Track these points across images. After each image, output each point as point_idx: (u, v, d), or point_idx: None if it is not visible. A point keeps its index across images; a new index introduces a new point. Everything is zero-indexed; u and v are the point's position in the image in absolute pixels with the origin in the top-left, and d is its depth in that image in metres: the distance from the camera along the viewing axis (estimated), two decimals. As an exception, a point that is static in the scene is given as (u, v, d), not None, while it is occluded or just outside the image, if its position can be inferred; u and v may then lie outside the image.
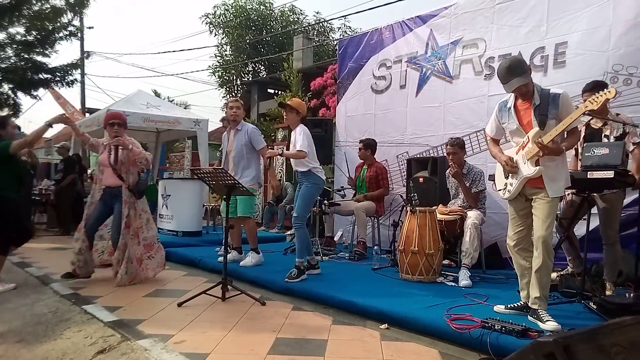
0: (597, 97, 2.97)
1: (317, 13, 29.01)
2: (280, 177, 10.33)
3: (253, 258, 5.21)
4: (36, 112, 76.28)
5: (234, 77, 22.86)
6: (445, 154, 5.80)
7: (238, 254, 5.42)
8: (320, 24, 22.96)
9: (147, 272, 4.74)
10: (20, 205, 4.64)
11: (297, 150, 4.55)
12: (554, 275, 4.00)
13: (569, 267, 4.23)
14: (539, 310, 3.14)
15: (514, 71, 3.16)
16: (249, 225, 5.33)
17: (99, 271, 4.97)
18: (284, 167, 10.56)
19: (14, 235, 4.53)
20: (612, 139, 3.83)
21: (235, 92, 22.73)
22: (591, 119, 3.98)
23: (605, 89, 3.03)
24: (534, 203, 3.23)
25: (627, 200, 3.97)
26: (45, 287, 4.49)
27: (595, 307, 3.37)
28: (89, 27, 17.11)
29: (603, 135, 3.91)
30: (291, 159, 4.77)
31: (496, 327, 2.88)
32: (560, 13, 5.07)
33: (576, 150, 4.09)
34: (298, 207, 4.61)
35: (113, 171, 4.62)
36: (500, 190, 3.51)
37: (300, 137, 4.56)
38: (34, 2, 13.12)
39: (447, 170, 5.25)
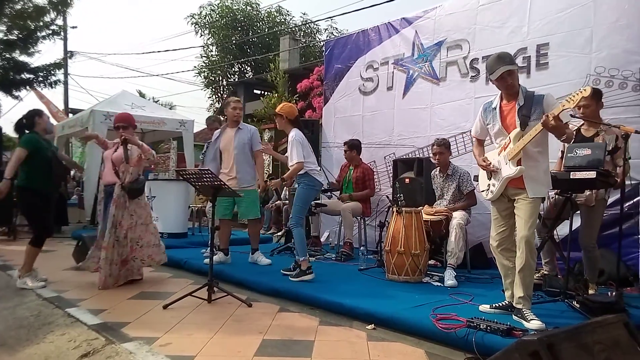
0: (574, 96, 3.00)
1: (304, 14, 29.02)
2: (266, 178, 10.29)
3: (262, 257, 5.42)
4: (19, 112, 74.96)
5: (220, 78, 22.76)
6: (430, 156, 5.86)
7: (224, 255, 5.40)
8: (307, 25, 22.97)
9: (133, 274, 4.67)
10: (49, 199, 4.53)
11: (294, 165, 4.60)
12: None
13: (543, 269, 4.25)
14: (523, 310, 3.17)
15: (503, 59, 3.23)
16: (258, 227, 5.47)
17: (83, 274, 4.91)
18: (270, 167, 10.54)
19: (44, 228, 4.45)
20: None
21: (221, 93, 22.64)
22: (582, 124, 4.01)
23: (582, 88, 3.06)
24: (516, 204, 3.26)
25: (609, 200, 4.02)
26: (27, 291, 4.40)
27: (578, 306, 3.42)
28: (73, 27, 16.99)
29: None
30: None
31: (481, 327, 2.90)
32: (541, 14, 5.13)
33: (562, 152, 4.14)
34: (293, 208, 4.69)
35: (112, 167, 4.61)
36: (483, 191, 3.54)
37: (291, 148, 4.60)
38: (16, 0, 12.94)
39: (432, 172, 5.30)
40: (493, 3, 5.57)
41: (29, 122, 4.59)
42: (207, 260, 4.75)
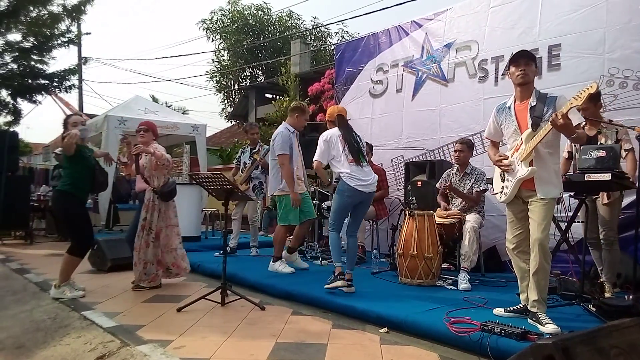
0: (581, 93, 2.98)
1: (315, 18, 29.08)
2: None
3: (280, 265, 5.26)
4: (35, 118, 76.17)
5: (232, 82, 22.91)
6: (441, 158, 5.84)
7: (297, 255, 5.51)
8: (318, 29, 23.04)
9: (157, 277, 4.70)
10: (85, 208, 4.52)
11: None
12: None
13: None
14: (538, 313, 3.14)
15: (527, 53, 3.29)
16: (281, 232, 5.39)
17: (98, 277, 4.97)
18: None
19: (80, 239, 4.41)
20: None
21: (233, 97, 22.78)
22: (585, 124, 3.99)
23: (588, 85, 3.04)
24: (529, 206, 3.24)
25: (624, 202, 3.98)
26: (44, 294, 4.47)
27: (594, 309, 3.38)
28: (87, 33, 17.02)
29: (599, 143, 3.93)
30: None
31: (496, 330, 2.88)
32: (552, 15, 5.10)
33: (569, 152, 4.12)
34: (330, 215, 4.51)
35: (141, 176, 4.71)
36: (497, 193, 3.52)
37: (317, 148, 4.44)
38: (32, 8, 13.13)
39: (437, 184, 5.27)
40: (504, 5, 5.56)
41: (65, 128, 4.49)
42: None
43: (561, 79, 4.95)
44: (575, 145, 4.00)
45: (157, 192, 4.61)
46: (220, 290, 3.97)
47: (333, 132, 4.38)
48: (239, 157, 6.60)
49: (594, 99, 3.83)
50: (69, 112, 15.02)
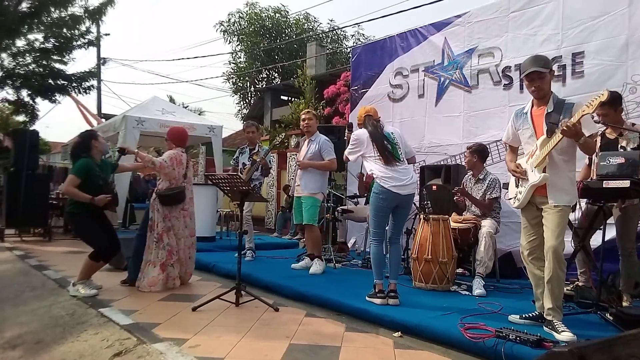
0: (592, 101, 2.96)
1: (331, 21, 29.15)
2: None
3: (319, 265, 5.28)
4: (54, 118, 77.43)
5: (248, 84, 23.05)
6: (463, 163, 5.82)
7: (311, 260, 5.47)
8: (334, 32, 23.08)
9: (168, 281, 4.67)
10: (100, 218, 4.53)
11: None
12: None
13: (578, 281, 4.18)
14: (553, 321, 3.11)
15: (538, 61, 3.23)
16: (314, 233, 5.42)
17: (114, 275, 5.04)
18: (296, 174, 10.59)
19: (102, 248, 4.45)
20: (628, 150, 3.81)
21: (249, 98, 22.91)
22: (606, 128, 3.96)
23: (600, 93, 3.01)
24: (543, 212, 3.22)
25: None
26: (62, 290, 4.55)
27: (611, 318, 3.34)
28: (106, 34, 17.27)
29: (619, 146, 3.88)
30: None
31: (511, 337, 2.86)
32: (574, 22, 5.07)
33: (590, 159, 4.07)
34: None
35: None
36: (510, 199, 3.51)
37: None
38: (53, 9, 13.35)
39: (465, 177, 5.25)
40: (524, 10, 5.52)
41: (85, 144, 4.54)
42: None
43: (585, 86, 4.91)
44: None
45: (157, 194, 4.67)
46: (234, 290, 4.01)
47: (362, 131, 4.23)
48: (237, 157, 6.33)
49: (614, 104, 3.79)
50: (88, 116, 15.26)
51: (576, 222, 4.08)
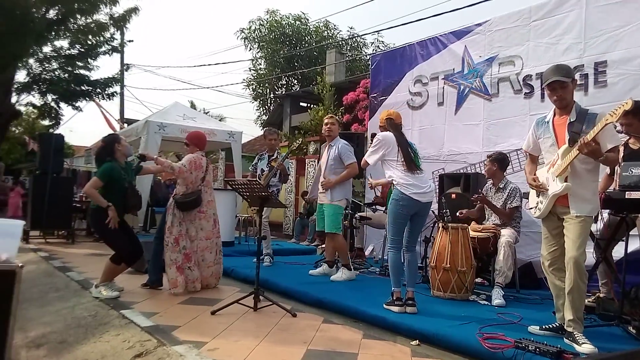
0: (616, 110, 2.92)
1: (351, 28, 29.18)
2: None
3: (344, 273, 5.25)
4: (78, 122, 79.09)
5: (268, 91, 23.23)
6: (484, 172, 5.78)
7: (329, 267, 5.51)
8: (354, 39, 23.14)
9: (188, 284, 4.71)
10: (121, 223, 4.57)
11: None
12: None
13: (599, 292, 4.11)
14: (574, 333, 3.08)
15: (560, 70, 3.21)
16: (339, 242, 5.39)
17: (136, 277, 5.12)
18: (316, 179, 10.62)
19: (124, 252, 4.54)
20: None
21: (269, 105, 23.08)
22: (629, 138, 3.91)
23: (624, 102, 2.97)
24: (565, 223, 3.19)
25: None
26: (85, 291, 4.64)
27: (634, 331, 3.29)
28: (129, 41, 17.59)
29: None
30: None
31: (530, 348, 2.83)
32: (597, 31, 5.01)
33: (611, 169, 4.02)
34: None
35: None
36: (531, 208, 3.48)
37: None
38: (79, 16, 13.68)
39: (485, 186, 5.21)
40: (546, 19, 5.49)
41: (109, 148, 4.63)
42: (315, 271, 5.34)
43: (608, 95, 4.85)
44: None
45: (174, 200, 4.74)
46: (253, 295, 4.04)
47: (390, 134, 4.18)
48: (256, 163, 6.38)
49: (638, 113, 3.73)
50: (111, 120, 15.54)
51: (598, 233, 4.02)
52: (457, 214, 5.13)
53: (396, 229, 4.02)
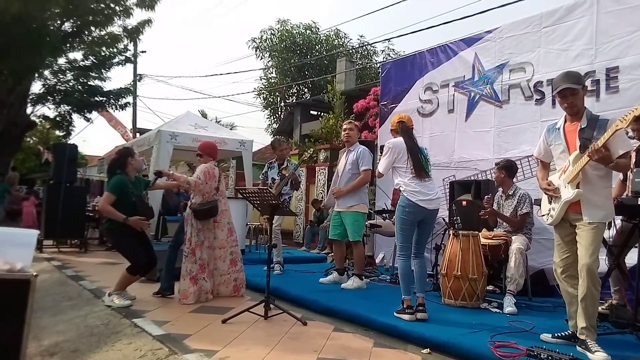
0: (627, 115, 2.90)
1: (361, 37, 29.30)
2: (322, 197, 10.41)
3: (355, 282, 5.25)
4: (91, 132, 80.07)
5: (278, 99, 23.37)
6: (493, 179, 5.76)
7: (339, 275, 5.51)
8: (364, 47, 23.23)
9: (201, 294, 4.72)
10: (137, 233, 4.62)
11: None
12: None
13: (612, 299, 4.06)
14: (587, 341, 3.04)
15: (570, 77, 3.20)
16: (359, 250, 5.39)
17: (148, 286, 5.16)
18: (325, 188, 10.65)
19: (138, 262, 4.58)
20: None
21: (279, 113, 23.21)
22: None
23: (634, 107, 2.95)
24: (577, 230, 3.16)
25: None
26: (97, 300, 4.69)
27: (648, 339, 3.24)
28: (142, 52, 17.88)
29: None
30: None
31: (542, 356, 2.82)
32: (609, 37, 4.99)
33: (624, 175, 3.98)
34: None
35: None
36: (543, 215, 3.46)
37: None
38: (94, 29, 13.89)
39: (496, 194, 5.19)
40: (557, 25, 5.48)
41: (122, 161, 4.69)
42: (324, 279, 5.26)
43: (619, 101, 4.82)
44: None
45: (192, 209, 4.77)
46: (263, 303, 4.05)
47: (400, 140, 4.19)
48: (266, 172, 6.41)
49: None
50: (121, 130, 15.70)
51: (610, 239, 3.98)
52: (481, 211, 5.05)
53: (404, 235, 4.04)
